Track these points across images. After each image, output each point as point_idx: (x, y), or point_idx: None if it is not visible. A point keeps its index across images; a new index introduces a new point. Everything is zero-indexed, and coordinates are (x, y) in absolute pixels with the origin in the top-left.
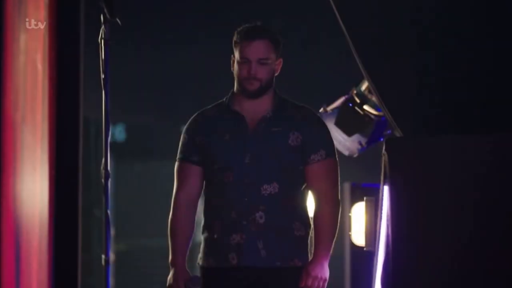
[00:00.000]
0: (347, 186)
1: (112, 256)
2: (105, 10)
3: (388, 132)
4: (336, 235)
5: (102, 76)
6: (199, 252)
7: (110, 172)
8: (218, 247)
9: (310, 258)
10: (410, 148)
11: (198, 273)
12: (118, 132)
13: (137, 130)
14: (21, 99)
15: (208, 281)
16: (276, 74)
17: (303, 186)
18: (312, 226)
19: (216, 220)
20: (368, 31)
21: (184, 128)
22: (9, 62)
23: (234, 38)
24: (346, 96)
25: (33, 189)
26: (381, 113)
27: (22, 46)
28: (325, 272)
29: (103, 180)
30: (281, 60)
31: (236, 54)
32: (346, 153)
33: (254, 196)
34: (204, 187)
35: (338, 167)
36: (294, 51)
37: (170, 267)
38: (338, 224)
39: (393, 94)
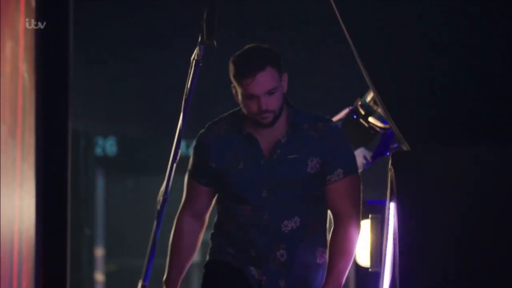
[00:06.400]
0: None
1: (101, 277)
2: (204, 31)
3: (395, 145)
4: (351, 261)
5: (185, 96)
6: (194, 273)
7: (99, 187)
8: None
9: None
10: (418, 162)
11: None
12: (109, 146)
13: (129, 143)
14: (8, 111)
15: None
16: (284, 92)
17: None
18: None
19: (229, 246)
20: (374, 40)
21: (194, 145)
22: None
23: (232, 72)
24: (351, 107)
25: (20, 207)
26: (387, 126)
27: (8, 54)
28: None
29: (158, 207)
30: (286, 75)
31: (239, 89)
32: None
33: (274, 234)
34: (218, 208)
35: (360, 185)
36: (296, 60)
37: (163, 286)
38: (355, 250)
39: (399, 105)
